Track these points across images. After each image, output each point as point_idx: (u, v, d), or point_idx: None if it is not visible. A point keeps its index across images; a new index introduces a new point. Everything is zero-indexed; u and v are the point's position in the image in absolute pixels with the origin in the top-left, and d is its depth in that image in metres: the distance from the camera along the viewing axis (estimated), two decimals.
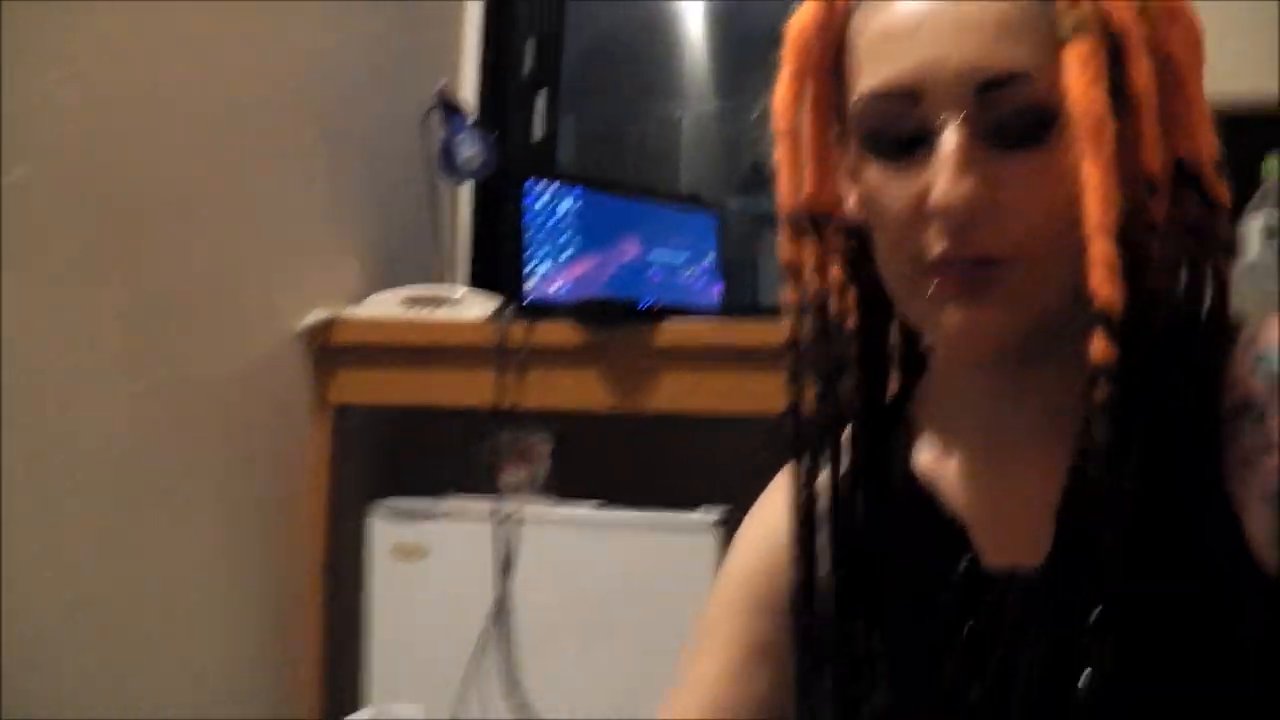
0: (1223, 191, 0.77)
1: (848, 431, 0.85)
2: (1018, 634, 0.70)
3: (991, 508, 0.81)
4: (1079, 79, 0.69)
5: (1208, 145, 0.76)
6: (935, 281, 0.74)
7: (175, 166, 1.73)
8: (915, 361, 0.88)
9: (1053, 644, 0.70)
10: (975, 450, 0.83)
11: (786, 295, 0.83)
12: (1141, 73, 0.72)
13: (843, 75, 0.78)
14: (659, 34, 2.89)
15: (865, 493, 0.84)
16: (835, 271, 0.83)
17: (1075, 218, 0.70)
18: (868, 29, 0.76)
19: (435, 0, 2.44)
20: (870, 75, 0.75)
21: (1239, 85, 1.84)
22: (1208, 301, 0.76)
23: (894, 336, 0.88)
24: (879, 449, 0.85)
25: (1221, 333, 0.77)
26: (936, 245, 0.73)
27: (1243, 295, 1.76)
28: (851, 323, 0.84)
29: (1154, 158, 0.73)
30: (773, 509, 0.89)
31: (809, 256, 0.82)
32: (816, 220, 0.81)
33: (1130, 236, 0.71)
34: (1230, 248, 0.79)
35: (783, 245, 0.82)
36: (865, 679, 0.80)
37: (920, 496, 0.84)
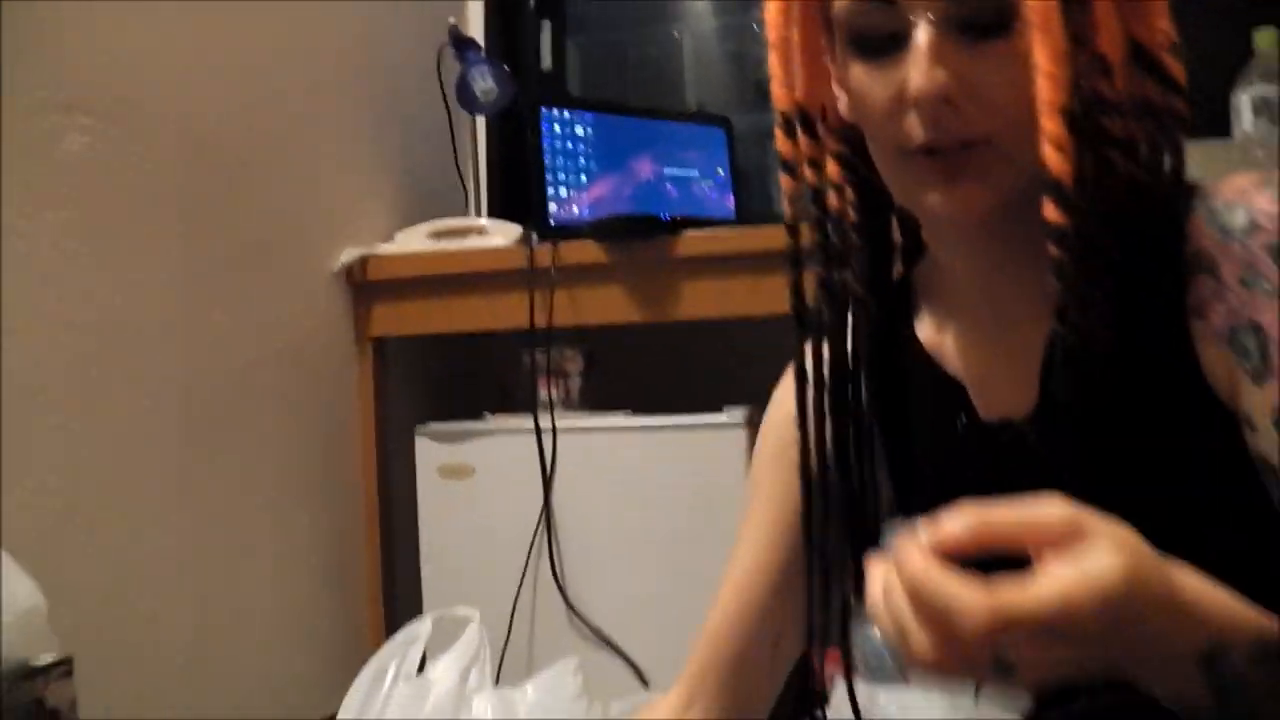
0: (1178, 72, 0.83)
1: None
2: (1012, 477, 0.75)
3: (985, 367, 0.90)
4: None
5: (1163, 30, 0.83)
6: (918, 166, 0.81)
7: (225, 128, 1.81)
8: (914, 246, 0.96)
9: (1042, 483, 0.78)
10: (969, 317, 0.91)
11: (783, 186, 0.90)
12: None
13: None
14: None
15: (873, 360, 0.92)
16: (832, 169, 0.91)
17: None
18: None
19: None
20: None
21: None
22: (1168, 170, 0.84)
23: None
24: (885, 323, 0.93)
25: (1179, 196, 0.84)
26: (916, 133, 0.80)
27: (1234, 165, 1.82)
28: (852, 216, 0.91)
29: (1108, 42, 0.80)
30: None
31: (804, 152, 0.89)
32: (808, 120, 0.89)
33: (1087, 113, 0.78)
34: (1186, 123, 0.85)
35: (779, 142, 0.90)
36: (870, 523, 0.89)
37: (923, 361, 0.93)
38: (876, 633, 0.70)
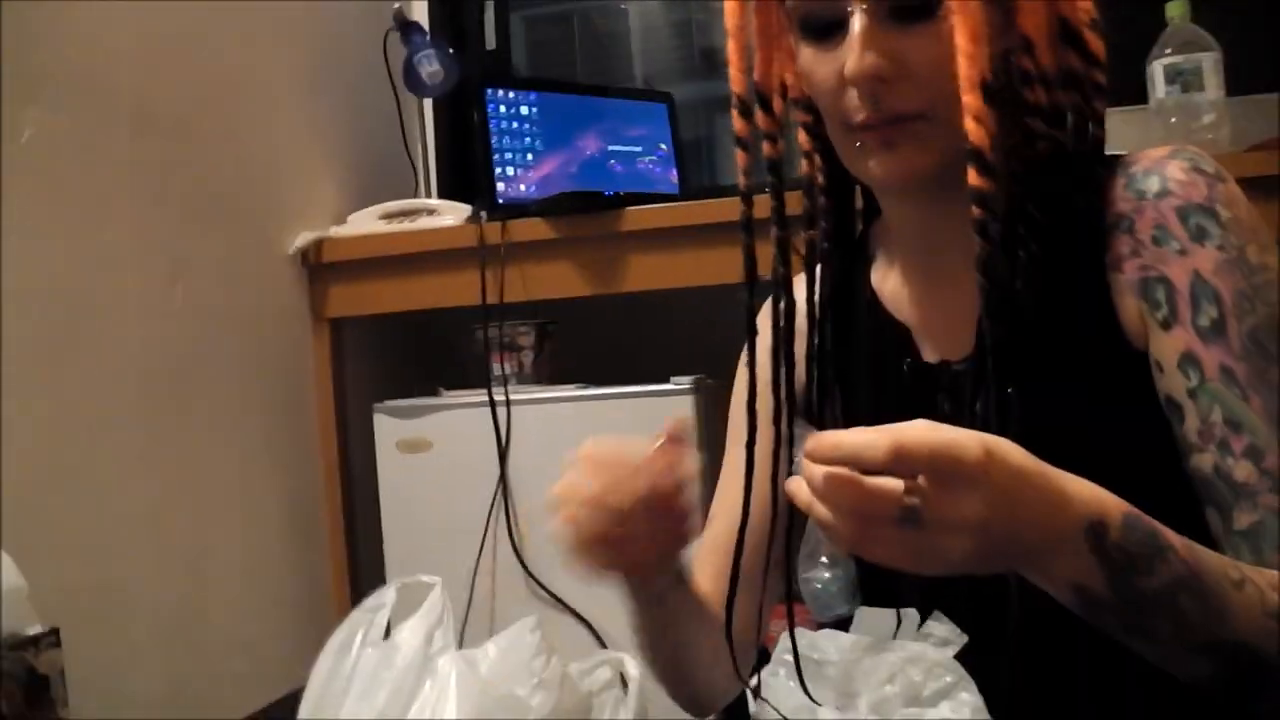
0: (1098, 46, 0.93)
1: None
2: (949, 415, 0.83)
3: (930, 314, 1.01)
4: None
5: (1084, 7, 0.92)
6: (859, 137, 0.92)
7: (180, 109, 1.83)
8: (872, 206, 1.07)
9: (975, 420, 0.86)
10: (916, 269, 1.02)
11: (738, 161, 0.98)
12: None
13: None
14: None
15: (837, 307, 1.02)
16: (802, 137, 1.01)
17: None
18: None
19: None
20: None
21: None
22: (1089, 137, 0.93)
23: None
24: (848, 272, 1.04)
25: (1101, 162, 0.94)
26: (856, 109, 0.91)
27: (1150, 130, 1.89)
28: (821, 179, 1.02)
29: (1031, 21, 0.89)
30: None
31: (762, 126, 0.97)
32: (765, 99, 0.97)
33: (1008, 86, 0.87)
34: (1105, 92, 0.95)
35: (735, 122, 0.98)
36: None
37: (876, 308, 1.03)
38: (823, 570, 0.78)
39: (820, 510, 0.74)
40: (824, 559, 0.79)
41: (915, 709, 0.85)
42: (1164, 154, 0.92)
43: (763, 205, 0.98)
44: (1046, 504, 0.75)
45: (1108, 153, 0.96)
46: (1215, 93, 1.77)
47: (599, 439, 0.84)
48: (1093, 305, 0.91)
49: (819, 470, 0.73)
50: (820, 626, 0.84)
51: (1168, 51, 1.79)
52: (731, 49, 0.96)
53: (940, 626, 0.87)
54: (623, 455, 0.87)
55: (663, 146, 2.35)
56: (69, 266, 1.62)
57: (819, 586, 0.80)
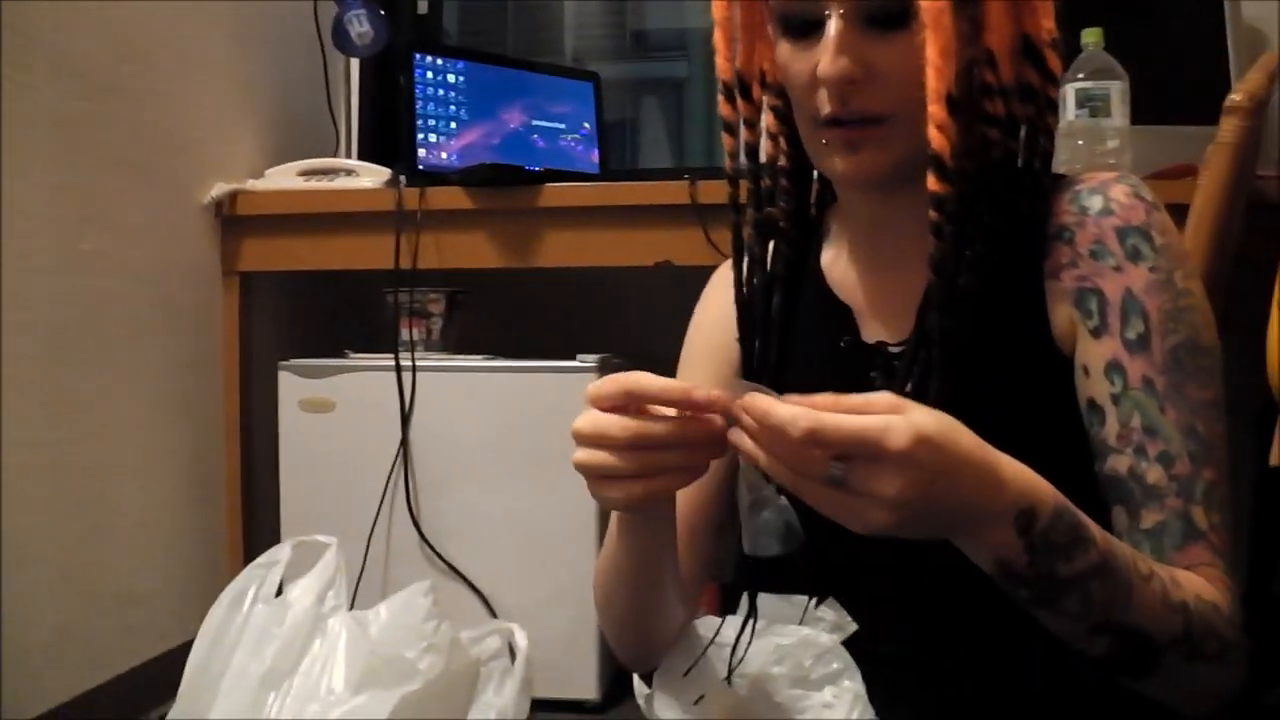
0: (1056, 63, 0.98)
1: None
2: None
3: (873, 297, 1.06)
4: None
5: (1047, 25, 0.97)
6: (826, 134, 0.97)
7: (98, 53, 1.81)
8: (827, 190, 1.12)
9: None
10: (865, 255, 1.07)
11: (724, 142, 1.04)
12: None
13: None
14: None
15: (785, 284, 1.07)
16: (769, 121, 1.05)
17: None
18: None
19: None
20: None
21: None
22: (1040, 149, 0.99)
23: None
24: (800, 252, 1.09)
25: (1049, 176, 1.01)
26: (825, 107, 0.95)
27: (1059, 149, 1.96)
28: (784, 160, 1.06)
29: (997, 37, 0.95)
30: (725, 285, 1.11)
31: (742, 113, 1.03)
32: (746, 87, 1.03)
33: (970, 98, 0.93)
34: (1057, 109, 1.01)
35: (721, 106, 1.04)
36: None
37: (824, 286, 1.09)
38: (761, 510, 0.82)
39: (760, 456, 0.78)
40: (765, 494, 0.82)
41: (800, 690, 0.89)
42: (1110, 177, 0.99)
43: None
44: (980, 486, 0.79)
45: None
46: (1120, 120, 1.83)
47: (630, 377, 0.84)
48: (1027, 307, 0.98)
49: (753, 425, 0.77)
50: (756, 564, 0.87)
51: (1080, 76, 1.85)
52: (718, 38, 1.02)
53: (831, 612, 0.92)
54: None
55: (586, 125, 2.36)
56: None
57: (759, 523, 0.83)
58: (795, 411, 0.75)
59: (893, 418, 0.75)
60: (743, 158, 1.04)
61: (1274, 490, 1.78)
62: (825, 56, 0.93)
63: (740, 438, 0.80)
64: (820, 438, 0.74)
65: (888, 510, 0.76)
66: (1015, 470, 0.82)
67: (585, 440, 0.86)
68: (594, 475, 0.86)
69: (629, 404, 0.84)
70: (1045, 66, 0.98)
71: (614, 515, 0.99)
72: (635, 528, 0.98)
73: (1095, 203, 0.97)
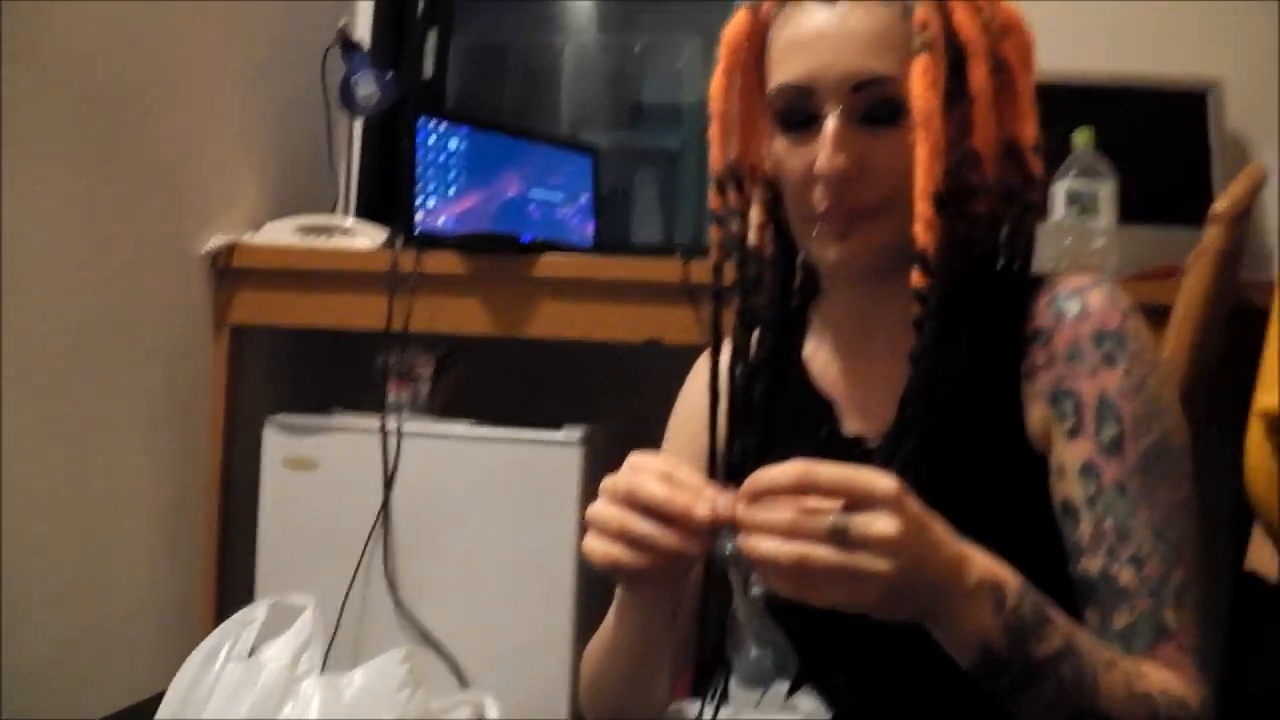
0: (1038, 167, 1.03)
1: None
2: None
3: (853, 390, 1.08)
4: (919, 84, 0.94)
5: (1030, 130, 1.02)
6: (819, 226, 1.00)
7: (113, 93, 1.83)
8: (810, 283, 1.14)
9: None
10: (848, 347, 1.10)
11: (712, 233, 1.08)
12: (979, 75, 0.98)
13: (763, 69, 1.03)
14: None
15: (767, 374, 1.09)
16: (756, 213, 1.08)
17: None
18: (780, 37, 1.01)
19: None
20: (780, 73, 1.01)
21: (1063, 64, 2.07)
22: (1020, 250, 1.02)
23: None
24: (783, 342, 1.12)
25: (1027, 274, 1.03)
26: (820, 200, 0.99)
27: (1047, 246, 1.99)
28: (769, 252, 1.10)
29: (982, 140, 0.99)
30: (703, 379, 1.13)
31: (733, 204, 1.06)
32: (739, 178, 1.06)
33: (955, 197, 0.96)
34: (1041, 210, 1.05)
35: (712, 197, 1.07)
36: None
37: (804, 378, 1.11)
38: (754, 647, 0.82)
39: (760, 545, 0.79)
40: (757, 629, 0.84)
41: None
42: (1087, 281, 1.02)
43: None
44: (952, 554, 0.82)
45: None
46: (1108, 219, 1.87)
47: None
48: (1003, 405, 1.00)
49: (755, 520, 0.79)
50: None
51: (1070, 174, 1.88)
52: (715, 130, 1.05)
53: (806, 701, 0.92)
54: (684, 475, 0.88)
55: (583, 198, 2.39)
56: None
57: (752, 661, 0.84)
58: (785, 466, 0.79)
59: (870, 469, 0.79)
60: (732, 247, 1.07)
61: (1249, 592, 1.79)
62: (824, 153, 0.97)
63: (750, 541, 0.80)
64: (812, 478, 0.78)
65: (890, 558, 0.77)
66: (972, 548, 0.85)
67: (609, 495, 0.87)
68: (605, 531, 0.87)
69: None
70: (1027, 169, 1.02)
71: (616, 595, 1.00)
72: (637, 605, 0.98)
73: (1072, 306, 1.00)
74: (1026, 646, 0.84)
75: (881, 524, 0.77)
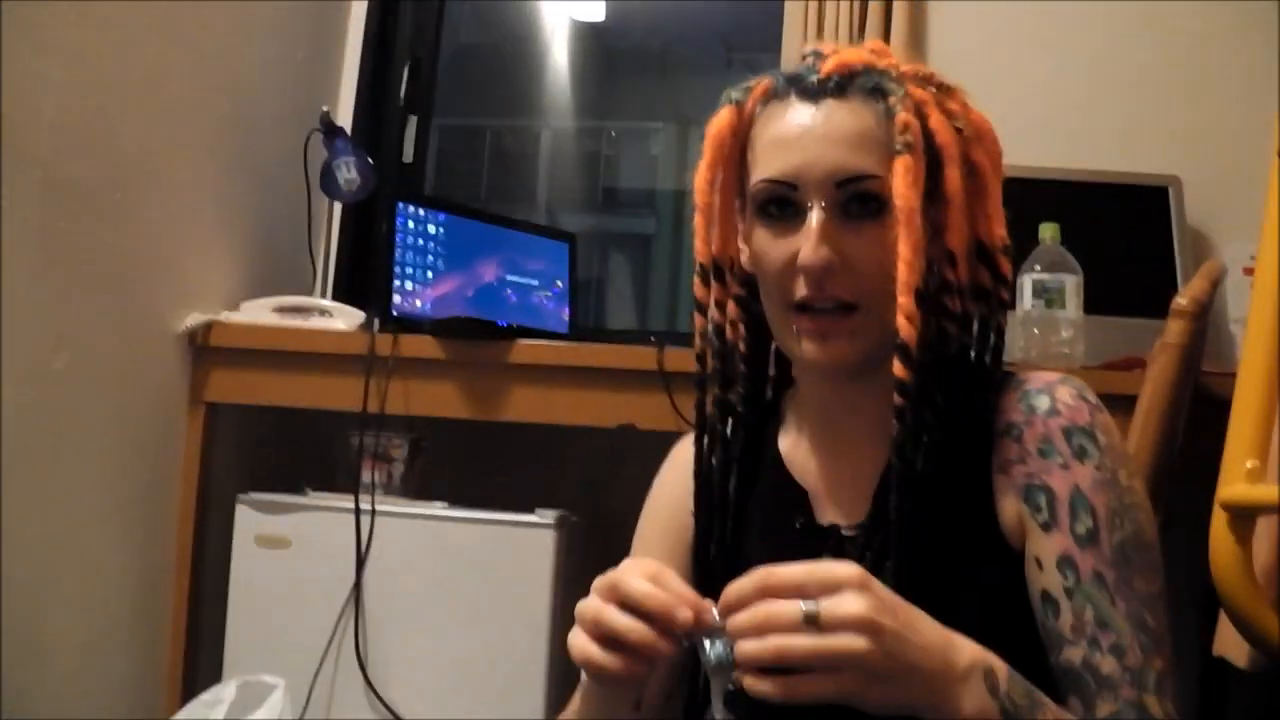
0: (1007, 266, 1.06)
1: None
2: None
3: (828, 481, 1.10)
4: (902, 182, 0.98)
5: (999, 232, 1.06)
6: (798, 320, 1.03)
7: (88, 175, 1.84)
8: (784, 375, 1.17)
9: None
10: (822, 439, 1.12)
11: (695, 323, 1.11)
12: (953, 178, 1.02)
13: (746, 164, 1.06)
14: (526, 51, 3.02)
15: (742, 465, 1.12)
16: (732, 307, 1.11)
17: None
18: (764, 134, 1.05)
19: (318, 30, 2.59)
20: (765, 168, 1.04)
21: (1030, 159, 2.13)
22: (990, 345, 1.06)
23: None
24: (756, 434, 1.14)
25: (998, 369, 1.07)
26: (801, 292, 1.02)
27: (1015, 336, 2.03)
28: (743, 346, 1.12)
29: (956, 239, 1.03)
30: (683, 464, 1.16)
31: (714, 296, 1.10)
32: (720, 270, 1.09)
33: (933, 292, 1.00)
34: (1008, 307, 1.09)
35: (696, 287, 1.10)
36: None
37: (779, 469, 1.13)
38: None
39: (743, 648, 0.81)
40: None
41: None
42: (1055, 378, 1.05)
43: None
44: (935, 637, 0.84)
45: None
46: (1074, 312, 1.91)
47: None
48: (975, 497, 1.02)
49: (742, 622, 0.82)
50: None
51: (1036, 268, 1.92)
52: (698, 223, 1.08)
53: None
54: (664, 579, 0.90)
55: (559, 284, 2.42)
56: None
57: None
58: (746, 576, 0.81)
59: (835, 561, 0.82)
60: (712, 337, 1.10)
61: (1217, 678, 1.81)
62: (807, 245, 0.99)
63: (746, 645, 0.82)
64: (774, 580, 0.80)
65: (865, 634, 0.79)
66: (959, 635, 0.86)
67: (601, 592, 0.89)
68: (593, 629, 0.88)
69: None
70: (997, 269, 1.06)
71: (581, 681, 1.01)
72: (600, 696, 0.99)
73: (1042, 403, 1.03)
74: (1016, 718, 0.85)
75: (850, 603, 0.80)
